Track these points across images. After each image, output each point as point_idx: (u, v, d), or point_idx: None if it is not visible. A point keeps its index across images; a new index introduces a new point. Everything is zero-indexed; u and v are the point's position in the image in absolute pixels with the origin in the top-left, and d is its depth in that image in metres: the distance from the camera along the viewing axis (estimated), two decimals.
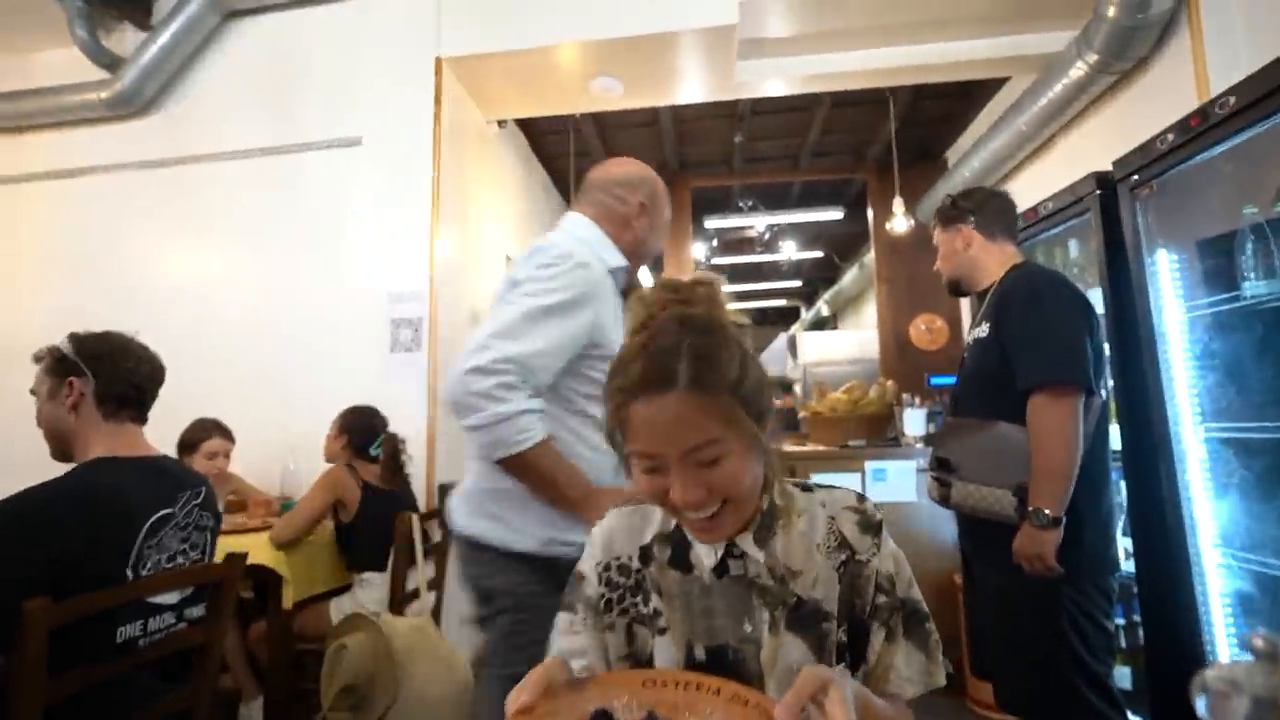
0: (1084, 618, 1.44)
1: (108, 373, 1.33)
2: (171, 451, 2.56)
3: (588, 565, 0.82)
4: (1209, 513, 1.84)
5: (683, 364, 0.70)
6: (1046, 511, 1.40)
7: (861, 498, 0.80)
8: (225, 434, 2.63)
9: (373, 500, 2.28)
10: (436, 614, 2.43)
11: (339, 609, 2.24)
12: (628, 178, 1.53)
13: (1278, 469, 1.73)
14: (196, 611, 1.40)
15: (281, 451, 2.75)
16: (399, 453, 2.44)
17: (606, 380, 0.74)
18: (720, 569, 0.76)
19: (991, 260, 1.67)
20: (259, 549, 2.13)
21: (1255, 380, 1.77)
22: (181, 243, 3.15)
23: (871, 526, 0.77)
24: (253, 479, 2.80)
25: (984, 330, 1.60)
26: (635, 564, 0.80)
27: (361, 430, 2.42)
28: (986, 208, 1.72)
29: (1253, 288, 1.74)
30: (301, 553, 2.20)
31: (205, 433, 2.59)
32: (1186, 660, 1.83)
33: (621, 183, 1.52)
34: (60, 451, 1.36)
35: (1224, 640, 1.81)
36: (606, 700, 0.64)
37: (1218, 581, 1.82)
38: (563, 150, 4.54)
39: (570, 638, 0.80)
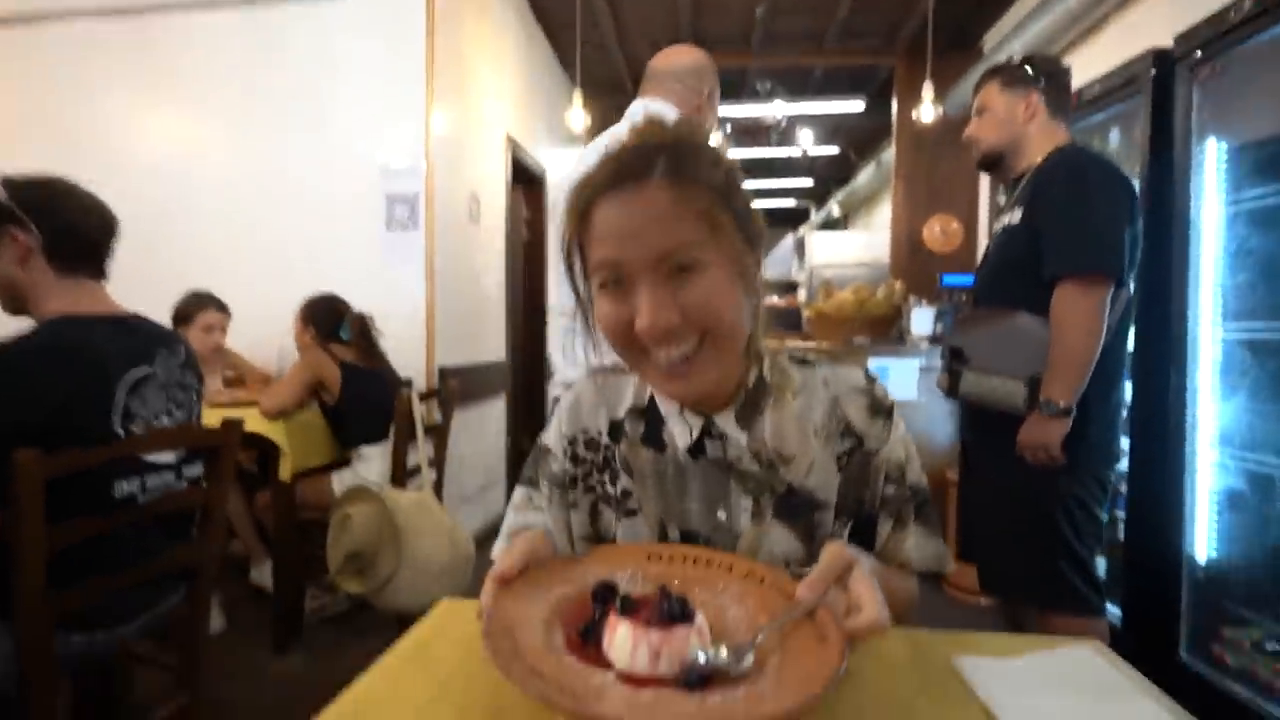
0: (1078, 507, 1.45)
1: (52, 225, 1.21)
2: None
3: (553, 438, 0.75)
4: (1213, 413, 1.82)
5: (661, 155, 0.60)
6: (1060, 402, 1.37)
7: (871, 377, 0.71)
8: (221, 307, 2.57)
9: (355, 379, 2.27)
10: (438, 490, 2.49)
11: (340, 482, 2.28)
12: (697, 66, 1.60)
13: None
14: (194, 470, 1.40)
15: (279, 329, 2.70)
16: (369, 329, 2.39)
17: (565, 202, 0.65)
18: (696, 449, 0.68)
19: (1044, 139, 1.52)
20: (257, 423, 2.13)
21: None
22: (155, 105, 2.95)
23: (882, 410, 0.69)
24: (249, 356, 2.78)
25: (1015, 217, 1.49)
26: (604, 439, 0.73)
27: (325, 317, 2.37)
28: (1057, 78, 1.55)
29: None
30: (296, 427, 2.21)
31: (200, 305, 2.53)
32: (1164, 555, 1.88)
33: (692, 71, 1.59)
34: (12, 304, 1.26)
35: (1204, 538, 1.85)
36: (609, 573, 0.60)
37: (1208, 480, 1.84)
38: (568, 20, 4.18)
39: (528, 514, 0.74)
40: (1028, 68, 1.54)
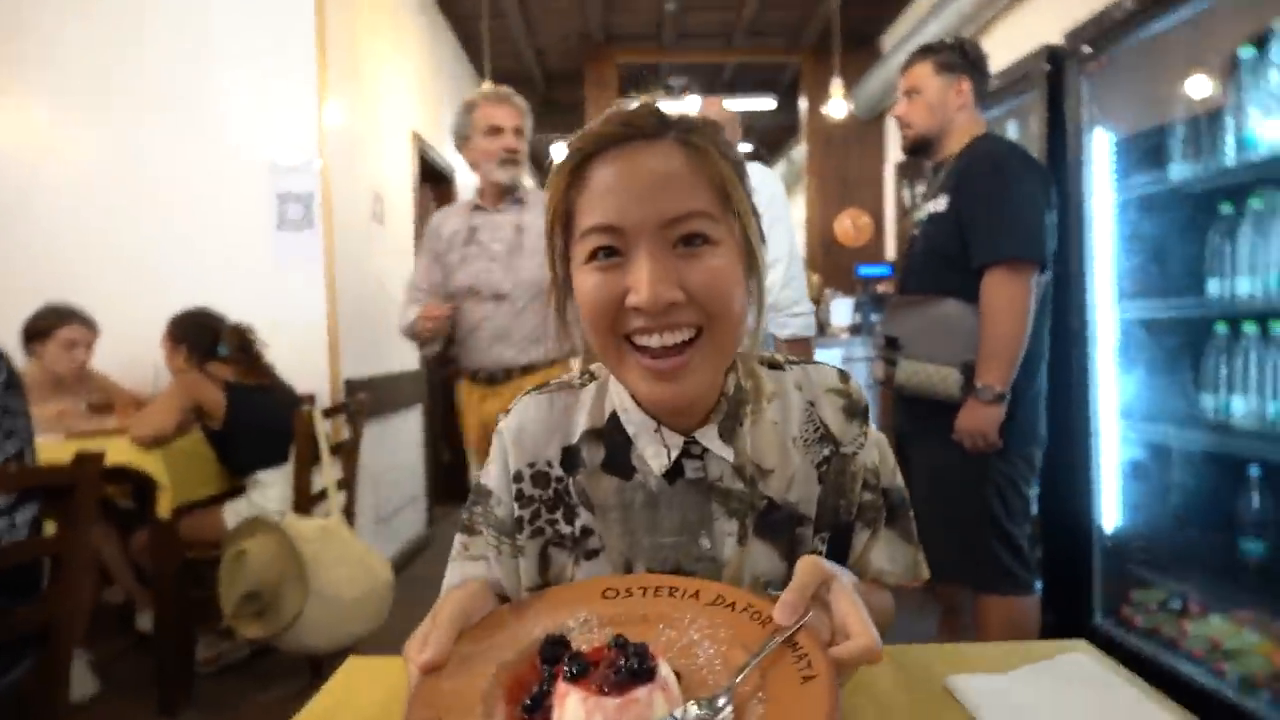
0: (1009, 486, 1.48)
1: None
2: (12, 342, 2.18)
3: (494, 476, 0.63)
4: (1114, 388, 1.93)
5: (674, 122, 0.53)
6: (996, 387, 1.39)
7: (844, 375, 0.64)
8: (85, 322, 2.25)
9: (242, 399, 2.02)
10: (349, 514, 2.28)
11: (235, 513, 2.04)
12: (728, 121, 1.82)
13: (1184, 346, 1.81)
14: (27, 514, 1.18)
15: (153, 346, 2.40)
16: (250, 342, 2.13)
17: (554, 163, 0.56)
18: (673, 472, 0.59)
19: (969, 125, 1.54)
20: (129, 453, 1.87)
21: (1175, 261, 1.81)
22: None
23: (858, 412, 0.63)
24: (121, 378, 2.45)
25: (941, 204, 1.51)
26: (556, 470, 0.61)
27: (197, 334, 2.10)
28: (983, 66, 1.57)
29: (1178, 170, 1.75)
30: (176, 456, 1.95)
31: (60, 319, 2.20)
32: (1076, 525, 1.98)
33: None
34: None
35: (1112, 507, 1.96)
36: (558, 620, 0.50)
37: (1114, 452, 1.95)
38: (473, 11, 4.00)
39: (466, 565, 0.63)
40: (961, 53, 1.55)
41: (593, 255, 0.53)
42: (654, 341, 0.52)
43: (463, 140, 1.95)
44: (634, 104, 0.56)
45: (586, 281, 0.54)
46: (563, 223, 0.56)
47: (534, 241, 1.87)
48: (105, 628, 2.36)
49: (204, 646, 2.15)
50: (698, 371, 0.54)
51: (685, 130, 0.54)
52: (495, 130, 1.88)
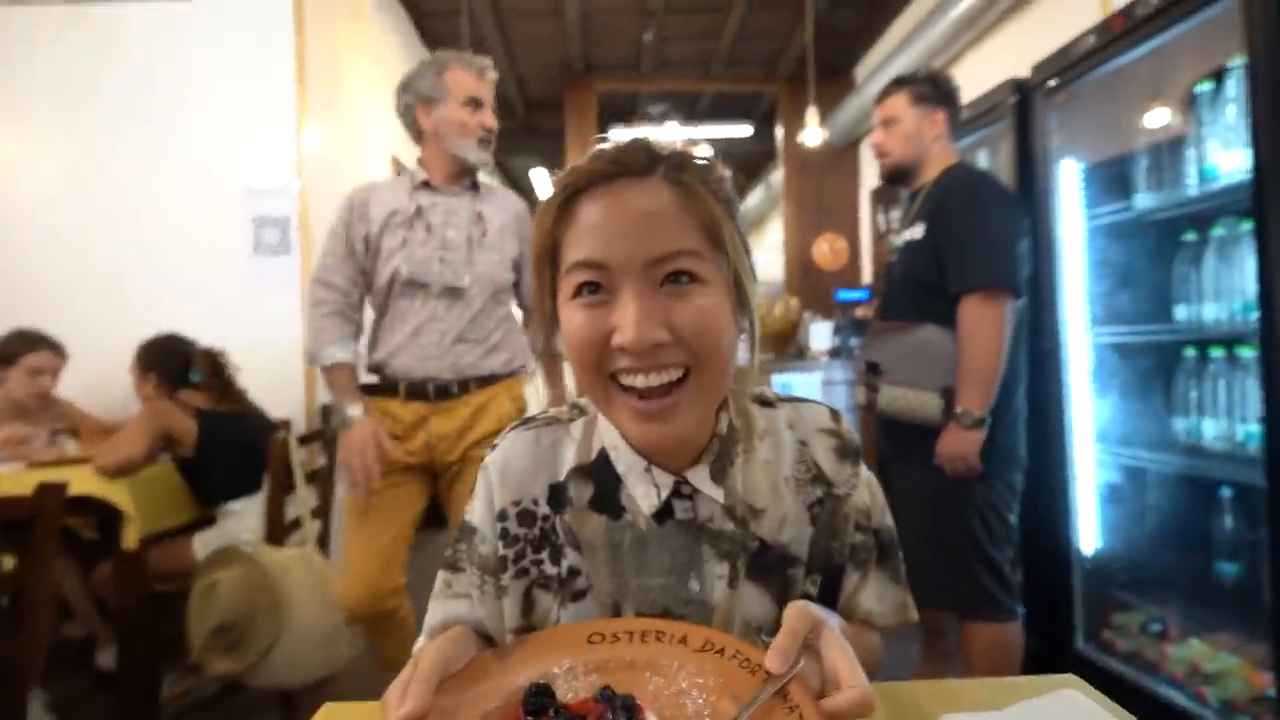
0: (990, 510, 1.49)
1: None
2: None
3: (479, 513, 0.61)
4: (1089, 412, 1.96)
5: (664, 158, 0.53)
6: (975, 412, 1.40)
7: (835, 414, 0.64)
8: (54, 349, 2.18)
9: (214, 427, 1.97)
10: (324, 544, 2.22)
11: (205, 544, 1.98)
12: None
13: (1155, 370, 1.85)
14: None
15: (125, 371, 2.34)
16: (223, 368, 2.09)
17: (541, 200, 0.55)
18: (662, 513, 0.57)
19: (942, 156, 1.59)
20: (93, 483, 1.81)
21: (1143, 288, 1.86)
22: None
23: (850, 453, 0.62)
24: (89, 405, 2.38)
25: (918, 232, 1.54)
26: (543, 509, 0.60)
27: (167, 360, 2.05)
28: (956, 99, 1.62)
29: (1143, 199, 1.80)
30: (143, 485, 1.89)
31: (28, 345, 2.13)
32: (1056, 550, 1.99)
33: None
34: None
35: (1090, 531, 1.98)
36: (542, 667, 0.48)
37: (1090, 476, 1.97)
38: (452, 36, 4.03)
39: (448, 603, 0.62)
40: (935, 85, 1.60)
41: (578, 291, 0.52)
42: (640, 382, 0.52)
43: (426, 104, 1.59)
44: (622, 137, 0.56)
45: (572, 319, 0.53)
46: (550, 257, 0.56)
47: (494, 237, 1.63)
48: (64, 665, 2.25)
49: (170, 683, 2.06)
50: (686, 413, 0.53)
51: (675, 168, 0.53)
52: (475, 103, 1.61)
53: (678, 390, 0.52)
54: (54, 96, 2.49)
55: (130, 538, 1.82)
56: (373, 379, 1.66)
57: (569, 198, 0.53)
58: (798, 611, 0.46)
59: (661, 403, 0.52)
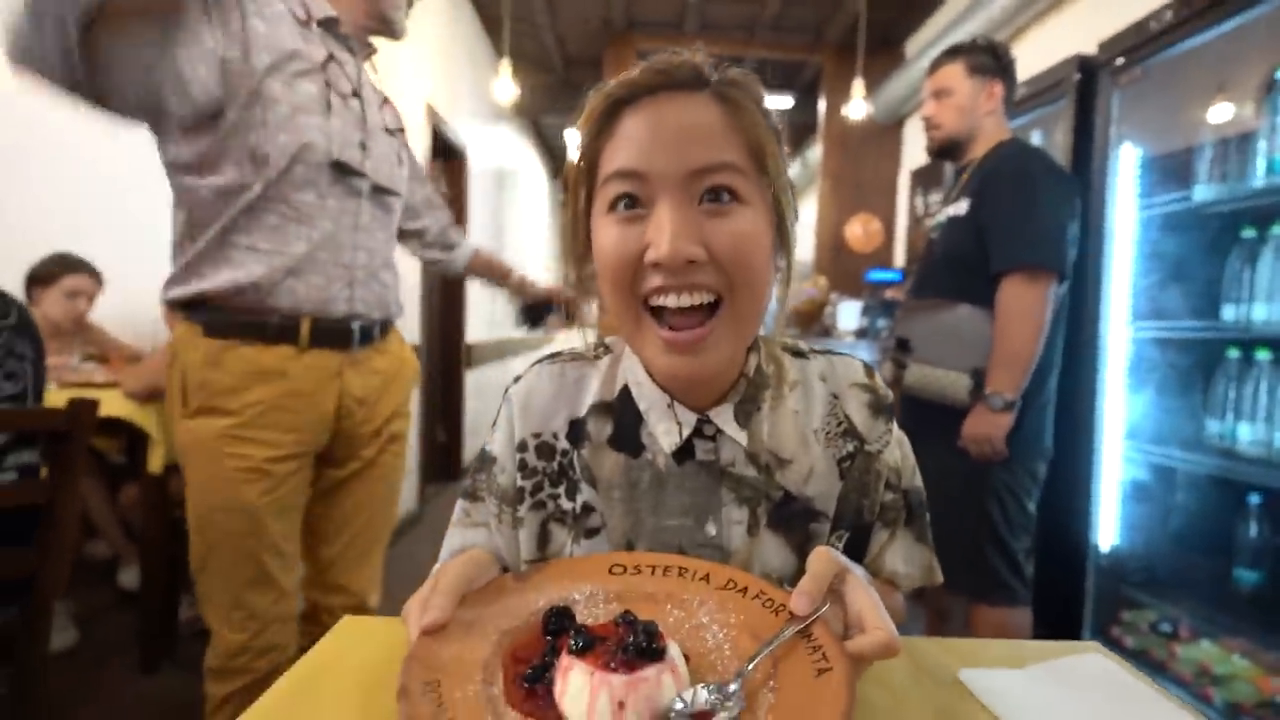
0: (1010, 497, 1.47)
1: None
2: (16, 288, 2.15)
3: (500, 443, 0.61)
4: (1122, 408, 1.91)
5: (714, 77, 0.51)
6: (1006, 395, 1.37)
7: (870, 369, 0.62)
8: (92, 273, 2.22)
9: None
10: None
11: None
12: None
13: (1194, 369, 1.80)
14: (23, 458, 1.16)
15: (155, 301, 2.37)
16: None
17: (585, 107, 0.53)
18: (682, 453, 0.56)
19: (995, 130, 1.52)
20: (123, 406, 1.85)
21: (1193, 282, 1.79)
22: None
23: (884, 409, 0.60)
24: (118, 330, 2.43)
25: (962, 208, 1.48)
26: (562, 443, 0.59)
27: None
28: (1013, 71, 1.55)
29: (1203, 191, 1.72)
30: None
31: (67, 267, 2.17)
32: (1072, 543, 1.97)
33: None
34: None
35: (1110, 527, 1.95)
36: (563, 592, 0.48)
37: (1116, 472, 1.93)
38: None
39: (468, 531, 0.61)
40: (994, 56, 1.52)
41: (613, 205, 0.51)
42: (671, 301, 0.50)
43: None
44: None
45: (606, 235, 0.51)
46: (588, 172, 0.54)
47: (403, 142, 1.28)
48: (89, 582, 2.34)
49: (187, 606, 2.13)
50: (718, 346, 0.52)
51: (725, 86, 0.51)
52: None
53: (711, 320, 0.51)
54: None
55: (156, 462, 1.87)
56: (220, 312, 1.07)
57: (612, 111, 0.52)
58: (823, 556, 0.45)
59: (694, 334, 0.50)
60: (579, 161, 0.54)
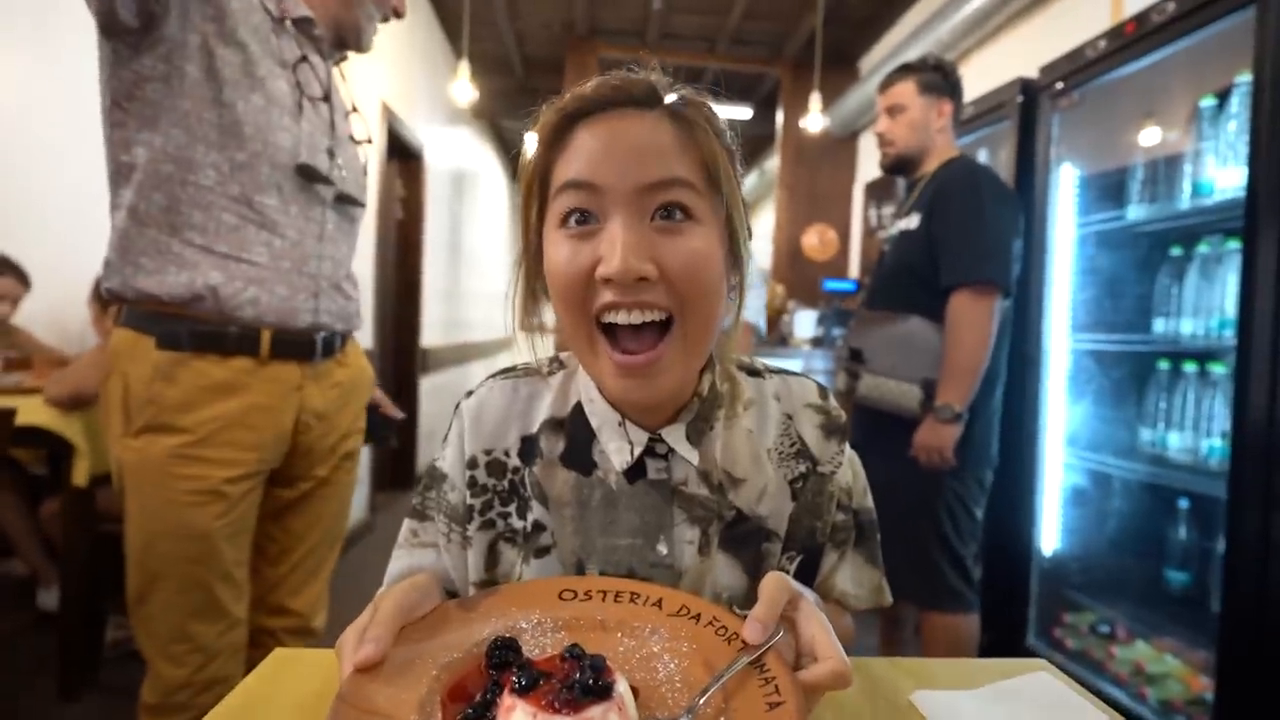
0: (959, 505, 1.50)
1: None
2: None
3: (450, 460, 0.60)
4: (1062, 417, 1.99)
5: (668, 93, 0.51)
6: (955, 406, 1.41)
7: (824, 390, 0.62)
8: (18, 275, 2.08)
9: None
10: None
11: None
12: None
13: (1129, 379, 1.88)
14: None
15: (83, 304, 2.24)
16: None
17: (538, 119, 0.52)
18: (634, 471, 0.56)
19: (945, 147, 1.57)
20: (45, 414, 1.73)
21: (1126, 298, 1.88)
22: None
23: (837, 430, 0.60)
24: (45, 334, 2.28)
25: (913, 222, 1.52)
26: (513, 460, 0.58)
27: None
28: (960, 91, 1.60)
29: (1135, 210, 1.81)
30: (98, 422, 1.82)
31: None
32: (1016, 548, 2.03)
33: None
34: None
35: (1051, 532, 2.02)
36: (509, 620, 0.46)
37: (1057, 478, 2.01)
38: None
39: (414, 553, 0.59)
40: (943, 75, 1.57)
41: (564, 220, 0.50)
42: (623, 319, 0.49)
43: None
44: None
45: (557, 250, 0.50)
46: (539, 186, 0.53)
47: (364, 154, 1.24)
48: (3, 604, 2.19)
49: (113, 627, 2.01)
50: (670, 369, 0.51)
51: (678, 105, 0.51)
52: None
53: (661, 342, 0.50)
54: (20, 1, 2.34)
55: (80, 475, 1.76)
56: (170, 320, 0.99)
57: (565, 125, 0.51)
58: (776, 582, 0.45)
59: (645, 357, 0.50)
60: (530, 174, 0.53)
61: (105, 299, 1.99)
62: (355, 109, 1.22)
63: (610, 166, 0.48)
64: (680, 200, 0.49)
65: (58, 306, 2.27)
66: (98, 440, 1.80)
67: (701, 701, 0.39)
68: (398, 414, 1.41)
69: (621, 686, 0.39)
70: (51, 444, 1.79)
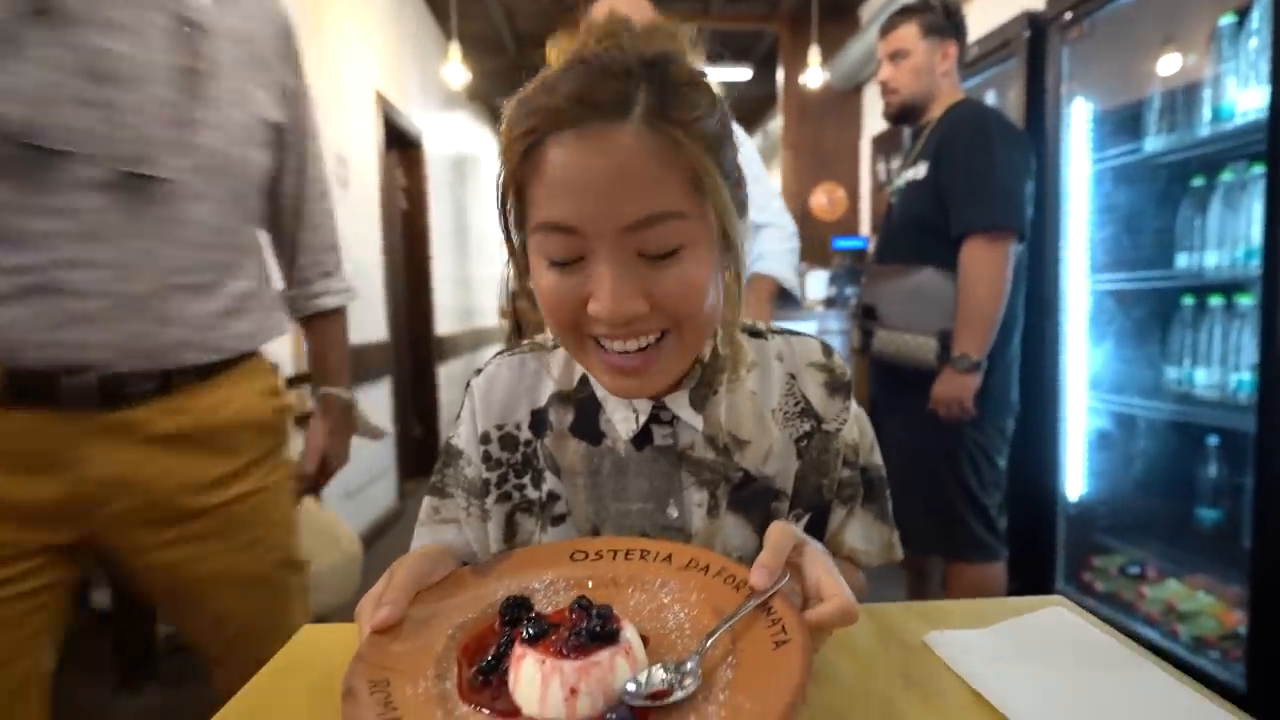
0: (981, 455, 1.49)
1: None
2: None
3: (464, 436, 0.61)
4: (1084, 359, 1.96)
5: (641, 88, 0.46)
6: (973, 356, 1.39)
7: (828, 348, 0.62)
8: None
9: None
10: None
11: None
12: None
13: (1153, 317, 1.84)
14: None
15: None
16: None
17: (506, 117, 0.49)
18: (641, 438, 0.57)
19: (950, 91, 1.51)
20: None
21: (1146, 233, 1.83)
22: None
23: (841, 387, 0.60)
24: None
25: (920, 171, 1.48)
26: (524, 434, 0.60)
27: None
28: (964, 30, 1.53)
29: (1152, 142, 1.75)
30: None
31: None
32: (1042, 494, 2.02)
33: None
34: None
35: (1077, 476, 2.00)
36: (523, 581, 0.48)
37: (1080, 422, 1.98)
38: None
39: (436, 529, 0.61)
40: (947, 15, 1.51)
41: (548, 254, 0.49)
42: (618, 346, 0.50)
43: None
44: (598, 29, 0.49)
45: (544, 279, 0.50)
46: (516, 198, 0.51)
47: (232, 74, 0.83)
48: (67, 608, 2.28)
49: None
50: (663, 370, 0.52)
51: (656, 98, 0.46)
52: None
53: (656, 348, 0.50)
54: None
55: None
56: None
57: (535, 137, 0.47)
58: (781, 529, 0.45)
59: (635, 363, 0.50)
60: (503, 185, 0.51)
61: None
62: (192, 24, 0.79)
63: (589, 204, 0.46)
64: (665, 235, 0.47)
65: None
66: None
67: (709, 643, 0.40)
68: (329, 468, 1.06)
69: (629, 633, 0.40)
70: None
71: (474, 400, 0.61)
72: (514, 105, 0.49)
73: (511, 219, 0.52)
